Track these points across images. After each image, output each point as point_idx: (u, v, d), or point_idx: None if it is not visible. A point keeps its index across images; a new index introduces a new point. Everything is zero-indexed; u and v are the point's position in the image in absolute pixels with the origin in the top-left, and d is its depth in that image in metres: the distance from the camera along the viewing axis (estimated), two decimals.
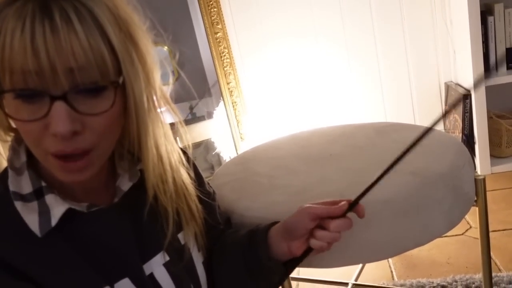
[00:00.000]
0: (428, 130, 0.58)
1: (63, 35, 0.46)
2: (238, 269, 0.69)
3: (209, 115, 2.04)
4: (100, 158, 0.55)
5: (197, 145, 2.00)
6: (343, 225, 0.63)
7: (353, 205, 0.64)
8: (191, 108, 2.00)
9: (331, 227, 0.62)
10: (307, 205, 0.64)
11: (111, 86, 0.50)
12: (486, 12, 1.81)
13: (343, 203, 0.63)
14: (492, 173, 1.88)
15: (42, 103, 0.48)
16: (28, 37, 0.45)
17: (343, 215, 0.63)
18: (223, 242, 0.74)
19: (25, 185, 0.54)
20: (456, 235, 1.48)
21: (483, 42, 1.79)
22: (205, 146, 2.04)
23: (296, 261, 0.66)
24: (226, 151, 2.04)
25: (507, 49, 1.85)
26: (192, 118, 2.00)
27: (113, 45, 0.49)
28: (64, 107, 0.48)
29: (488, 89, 1.80)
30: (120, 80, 0.51)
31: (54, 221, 0.53)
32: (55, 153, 0.50)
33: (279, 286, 0.71)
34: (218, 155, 2.05)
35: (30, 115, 0.48)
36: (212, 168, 2.07)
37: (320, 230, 0.63)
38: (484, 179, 0.89)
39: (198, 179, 0.72)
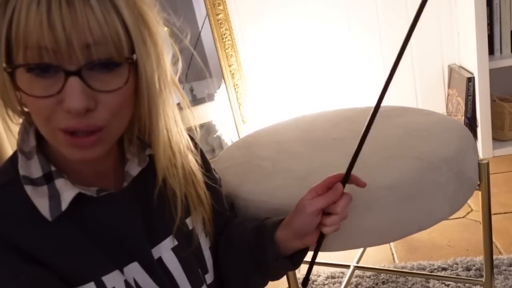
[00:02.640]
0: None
1: (79, 10, 0.46)
2: (245, 264, 0.71)
3: (210, 97, 2.03)
4: (111, 137, 0.54)
5: (199, 127, 2.00)
6: (347, 203, 0.65)
7: (345, 181, 0.65)
8: (191, 90, 1.99)
9: (337, 211, 0.64)
10: (305, 202, 0.64)
11: (125, 63, 0.50)
12: None
13: (337, 185, 0.64)
14: (494, 156, 1.88)
15: (56, 78, 0.48)
16: (44, 11, 0.45)
17: (341, 195, 0.64)
18: (229, 234, 0.74)
19: (35, 169, 0.54)
20: (457, 218, 1.48)
21: (488, 24, 1.77)
22: (206, 129, 2.04)
23: (315, 254, 0.69)
24: (228, 134, 2.04)
25: None
26: (193, 100, 1.99)
27: (127, 23, 0.49)
28: (79, 83, 0.48)
29: (492, 72, 1.79)
30: (134, 58, 0.51)
31: (64, 205, 0.53)
32: (66, 128, 0.50)
33: (305, 286, 0.75)
34: (219, 137, 2.05)
35: (44, 91, 0.48)
36: (213, 150, 2.07)
37: (328, 217, 0.65)
38: (487, 164, 0.88)
39: (205, 165, 0.72)
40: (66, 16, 0.45)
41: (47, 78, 0.48)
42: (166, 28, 0.59)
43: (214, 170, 0.77)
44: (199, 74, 1.96)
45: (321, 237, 0.68)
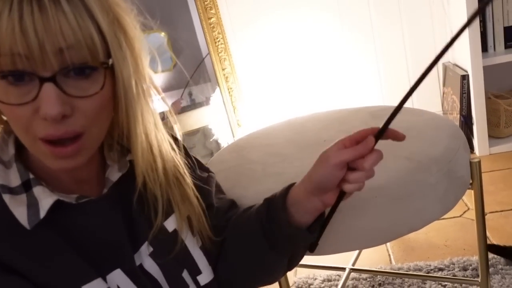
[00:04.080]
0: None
1: (51, 15, 0.45)
2: (258, 243, 0.66)
3: (208, 101, 2.02)
4: (91, 145, 0.54)
5: (195, 132, 1.99)
6: (376, 160, 0.58)
7: (380, 135, 0.58)
8: (190, 95, 1.99)
9: (365, 166, 0.57)
10: (330, 153, 0.58)
11: (100, 68, 0.50)
12: None
13: (369, 138, 0.57)
14: (490, 154, 1.87)
15: (31, 86, 0.47)
16: (16, 17, 0.45)
17: (371, 150, 0.58)
18: (235, 222, 0.71)
19: (14, 178, 0.54)
20: (453, 217, 1.47)
21: (480, 21, 1.77)
22: (202, 133, 2.03)
23: (330, 214, 0.62)
24: (224, 138, 2.04)
25: (505, 28, 1.82)
26: (191, 105, 1.98)
27: (101, 27, 0.49)
28: (53, 89, 0.47)
29: (486, 69, 1.78)
30: (110, 62, 0.51)
31: (42, 213, 0.52)
32: (44, 137, 0.49)
33: (312, 251, 0.68)
34: (216, 141, 2.04)
35: (19, 99, 0.48)
36: (211, 154, 2.06)
37: (353, 173, 0.59)
38: (479, 162, 0.88)
39: (193, 165, 0.71)
40: (38, 21, 0.45)
41: (22, 86, 0.48)
42: (162, 33, 0.58)
43: (208, 169, 0.76)
44: (197, 78, 1.96)
45: (341, 195, 0.61)
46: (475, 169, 0.87)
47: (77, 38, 0.47)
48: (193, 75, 1.93)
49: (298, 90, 2.02)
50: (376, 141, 0.58)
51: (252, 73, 2.02)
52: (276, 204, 0.64)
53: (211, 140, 2.04)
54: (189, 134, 2.15)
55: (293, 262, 0.70)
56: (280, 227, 0.63)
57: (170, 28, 1.87)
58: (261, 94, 2.03)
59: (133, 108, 0.55)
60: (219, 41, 1.94)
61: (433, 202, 0.78)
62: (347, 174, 0.59)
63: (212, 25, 1.91)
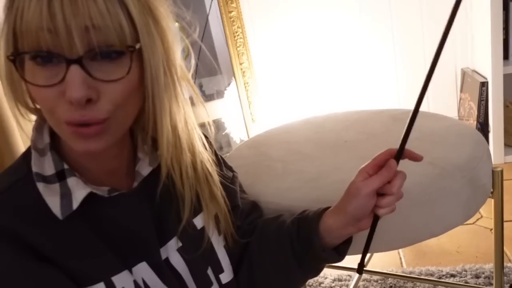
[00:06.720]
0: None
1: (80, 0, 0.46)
2: (285, 259, 0.68)
3: (218, 94, 2.02)
4: (115, 130, 0.53)
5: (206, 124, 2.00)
6: (402, 182, 0.61)
7: (399, 157, 0.61)
8: (201, 86, 1.99)
9: (393, 191, 0.60)
10: (359, 184, 0.61)
11: (127, 52, 0.49)
12: None
13: (390, 161, 0.60)
14: (505, 162, 1.85)
15: (59, 68, 0.48)
16: (45, 1, 0.45)
17: (395, 173, 0.61)
18: (262, 231, 0.72)
19: (48, 166, 0.54)
20: (466, 224, 1.47)
21: (503, 29, 1.75)
22: (215, 126, 2.03)
23: (370, 237, 0.65)
24: (236, 132, 2.04)
25: None
26: (201, 96, 1.99)
27: (131, 13, 0.49)
28: (79, 72, 0.47)
29: (506, 77, 1.76)
30: (137, 46, 0.50)
31: (75, 204, 0.53)
32: (68, 121, 0.49)
33: (361, 273, 0.71)
34: (228, 135, 2.04)
35: (46, 80, 0.48)
36: (221, 148, 2.07)
37: (383, 198, 0.61)
38: (501, 171, 0.87)
39: (219, 164, 0.71)
40: (67, 4, 0.45)
41: (50, 68, 0.48)
42: (176, 24, 0.58)
43: (232, 168, 0.76)
44: (209, 70, 1.96)
45: (376, 219, 0.63)
46: (497, 178, 0.87)
47: (105, 22, 0.47)
48: (196, 68, 1.93)
49: (314, 88, 2.02)
50: (397, 163, 0.61)
51: (269, 68, 2.02)
52: (309, 227, 0.66)
53: (223, 133, 2.04)
54: (203, 126, 2.14)
55: (313, 276, 0.73)
56: (314, 251, 0.65)
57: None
58: (277, 90, 2.02)
59: (160, 98, 0.54)
60: (238, 35, 1.93)
61: (456, 208, 0.77)
62: (378, 200, 0.61)
63: (232, 19, 1.91)
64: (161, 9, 0.53)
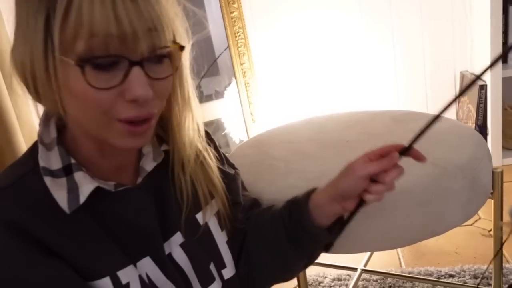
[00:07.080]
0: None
1: (141, 2, 0.48)
2: (280, 243, 0.69)
3: (217, 95, 2.03)
4: (154, 125, 0.56)
5: (207, 124, 2.00)
6: (397, 175, 0.62)
7: (404, 152, 0.62)
8: (199, 87, 2.00)
9: (387, 181, 0.62)
10: (357, 165, 0.62)
11: (175, 51, 0.53)
12: (508, 1, 1.77)
13: (394, 154, 0.62)
14: (503, 165, 1.87)
15: (117, 70, 0.49)
16: (109, 6, 0.46)
17: (394, 166, 0.62)
18: (257, 221, 0.73)
19: (55, 161, 0.54)
20: (465, 225, 1.48)
21: (503, 32, 1.76)
22: (215, 126, 2.04)
23: (349, 219, 0.66)
24: (236, 132, 2.04)
25: None
26: (199, 97, 1.99)
27: (177, 15, 0.53)
28: (142, 72, 0.50)
29: (505, 81, 1.78)
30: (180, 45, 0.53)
31: (82, 199, 0.53)
32: (126, 118, 0.51)
33: (327, 251, 0.71)
34: (226, 135, 2.05)
35: (107, 83, 0.49)
36: (219, 148, 2.07)
37: (375, 185, 0.62)
38: (501, 172, 0.88)
39: (221, 160, 0.73)
40: (130, 8, 0.47)
41: (108, 72, 0.49)
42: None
43: (233, 165, 0.77)
44: (209, 70, 1.96)
45: (361, 203, 0.65)
46: (497, 178, 0.88)
47: (163, 24, 0.49)
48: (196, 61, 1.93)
49: (314, 88, 2.02)
50: (400, 158, 0.62)
51: (269, 69, 2.02)
52: (299, 206, 0.67)
53: (222, 133, 2.04)
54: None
55: (309, 261, 0.73)
56: (304, 227, 0.66)
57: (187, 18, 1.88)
58: (277, 90, 2.03)
59: (188, 97, 0.58)
60: (239, 35, 1.94)
61: (456, 208, 0.78)
62: (369, 185, 0.63)
63: (233, 19, 1.92)
64: (181, 12, 0.56)
